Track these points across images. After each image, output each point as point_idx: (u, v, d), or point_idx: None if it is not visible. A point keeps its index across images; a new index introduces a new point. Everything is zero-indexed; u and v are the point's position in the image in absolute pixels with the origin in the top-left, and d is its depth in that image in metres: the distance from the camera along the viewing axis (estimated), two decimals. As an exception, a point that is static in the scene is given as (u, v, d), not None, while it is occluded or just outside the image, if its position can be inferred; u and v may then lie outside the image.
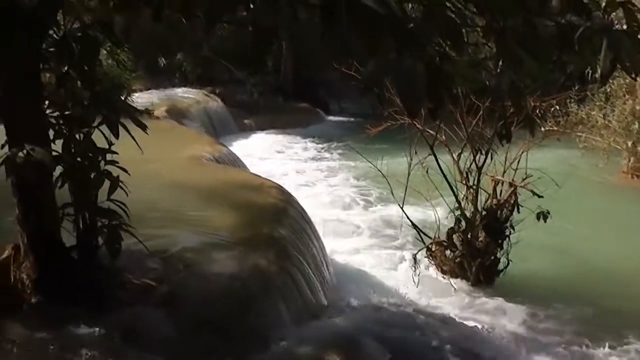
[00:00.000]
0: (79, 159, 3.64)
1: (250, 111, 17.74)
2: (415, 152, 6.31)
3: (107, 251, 3.65)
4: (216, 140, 11.15)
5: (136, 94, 13.90)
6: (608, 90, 11.24)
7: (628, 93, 10.95)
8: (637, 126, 10.41)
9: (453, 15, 2.53)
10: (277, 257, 4.69)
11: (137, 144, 3.75)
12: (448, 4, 2.56)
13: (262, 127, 17.04)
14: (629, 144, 10.75)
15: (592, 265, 7.22)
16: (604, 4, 2.51)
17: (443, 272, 6.55)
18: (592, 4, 2.54)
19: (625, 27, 2.43)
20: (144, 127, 3.70)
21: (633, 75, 2.49)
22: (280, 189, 6.52)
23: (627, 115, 10.76)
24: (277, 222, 5.41)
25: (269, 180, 7.01)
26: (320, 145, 15.06)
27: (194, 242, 4.63)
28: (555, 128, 8.32)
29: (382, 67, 2.02)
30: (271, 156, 13.56)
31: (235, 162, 9.22)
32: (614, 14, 2.50)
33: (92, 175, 3.67)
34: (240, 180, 7.07)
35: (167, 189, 6.19)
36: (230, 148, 10.52)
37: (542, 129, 8.10)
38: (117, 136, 3.64)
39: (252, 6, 2.50)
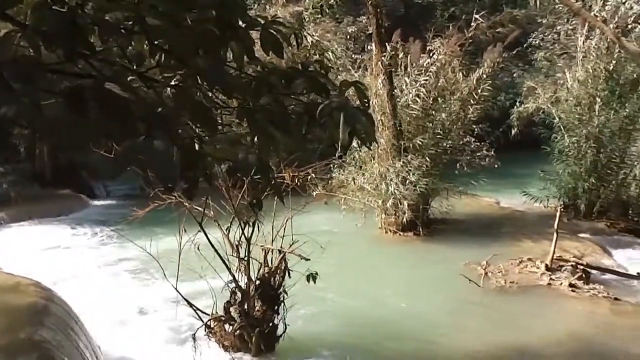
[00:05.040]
0: None
1: (2, 203, 15.98)
2: (185, 230, 6.27)
3: None
4: (-41, 240, 9.80)
5: None
6: (357, 156, 12.55)
7: (374, 158, 12.29)
8: (384, 186, 11.65)
9: (202, 99, 2.64)
10: (40, 362, 4.23)
11: None
12: (197, 87, 2.68)
13: (17, 220, 15.40)
14: (380, 202, 12.00)
15: (361, 314, 7.86)
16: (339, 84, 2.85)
17: (225, 347, 6.49)
18: (329, 84, 2.86)
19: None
20: None
21: (368, 145, 2.83)
22: (39, 285, 5.96)
23: (375, 177, 12.03)
24: (38, 323, 4.91)
25: (26, 277, 6.34)
26: (85, 233, 14.09)
27: None
28: (323, 192, 9.02)
29: (133, 149, 2.03)
30: (29, 250, 12.27)
31: (-17, 261, 8.19)
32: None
33: None
34: (-9, 281, 6.29)
35: None
36: (-22, 246, 9.33)
37: (314, 193, 8.75)
38: None
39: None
